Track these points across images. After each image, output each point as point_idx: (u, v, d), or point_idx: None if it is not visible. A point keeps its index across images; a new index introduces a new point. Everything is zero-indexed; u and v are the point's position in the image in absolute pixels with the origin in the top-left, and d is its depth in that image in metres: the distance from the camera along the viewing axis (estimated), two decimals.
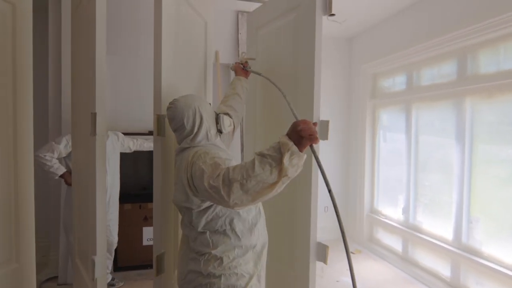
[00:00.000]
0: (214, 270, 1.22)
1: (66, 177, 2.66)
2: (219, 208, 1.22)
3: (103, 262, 1.48)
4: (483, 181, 2.82)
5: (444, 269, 3.09)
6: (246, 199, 1.02)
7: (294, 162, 0.98)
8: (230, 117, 1.52)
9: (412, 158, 3.54)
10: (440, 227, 3.20)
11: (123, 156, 3.20)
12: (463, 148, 2.94)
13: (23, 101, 1.31)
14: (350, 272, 1.02)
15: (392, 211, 3.88)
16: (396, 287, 3.17)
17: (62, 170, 2.64)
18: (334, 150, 4.41)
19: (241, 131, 3.31)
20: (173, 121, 1.29)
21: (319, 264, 3.78)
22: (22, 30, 1.41)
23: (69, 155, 2.66)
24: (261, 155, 1.01)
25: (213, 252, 1.23)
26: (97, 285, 1.48)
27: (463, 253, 2.88)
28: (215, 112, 1.40)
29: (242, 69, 1.76)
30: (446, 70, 3.16)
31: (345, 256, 1.05)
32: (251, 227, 1.30)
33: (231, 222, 1.25)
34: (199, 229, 1.23)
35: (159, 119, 1.47)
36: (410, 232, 3.48)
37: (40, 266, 3.34)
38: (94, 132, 1.38)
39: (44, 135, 3.15)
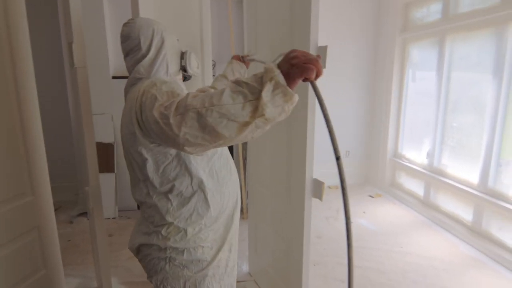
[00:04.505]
0: (176, 244, 1.01)
1: None
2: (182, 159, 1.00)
3: (96, 192, 1.53)
4: None
5: (466, 214, 2.94)
6: (202, 137, 0.77)
7: (278, 99, 0.69)
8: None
9: (442, 98, 3.23)
10: (465, 170, 2.99)
11: None
12: (500, 83, 2.59)
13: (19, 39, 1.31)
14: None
15: (416, 155, 3.67)
16: (412, 230, 3.09)
17: None
18: (358, 90, 4.14)
19: None
20: (127, 40, 1.05)
21: (334, 206, 3.77)
22: None
23: None
24: (237, 82, 0.74)
25: (175, 222, 1.01)
26: (94, 214, 1.56)
27: (488, 197, 2.69)
28: (181, 50, 1.17)
29: (240, 59, 1.63)
30: None
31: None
32: (221, 187, 1.09)
33: (200, 184, 1.03)
34: (159, 188, 1.00)
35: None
36: (433, 176, 3.30)
37: (73, 203, 3.67)
38: (72, 63, 1.34)
39: None
